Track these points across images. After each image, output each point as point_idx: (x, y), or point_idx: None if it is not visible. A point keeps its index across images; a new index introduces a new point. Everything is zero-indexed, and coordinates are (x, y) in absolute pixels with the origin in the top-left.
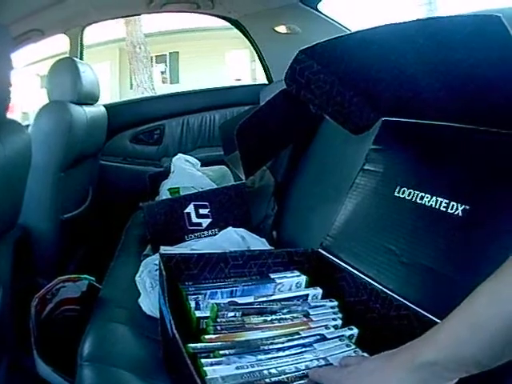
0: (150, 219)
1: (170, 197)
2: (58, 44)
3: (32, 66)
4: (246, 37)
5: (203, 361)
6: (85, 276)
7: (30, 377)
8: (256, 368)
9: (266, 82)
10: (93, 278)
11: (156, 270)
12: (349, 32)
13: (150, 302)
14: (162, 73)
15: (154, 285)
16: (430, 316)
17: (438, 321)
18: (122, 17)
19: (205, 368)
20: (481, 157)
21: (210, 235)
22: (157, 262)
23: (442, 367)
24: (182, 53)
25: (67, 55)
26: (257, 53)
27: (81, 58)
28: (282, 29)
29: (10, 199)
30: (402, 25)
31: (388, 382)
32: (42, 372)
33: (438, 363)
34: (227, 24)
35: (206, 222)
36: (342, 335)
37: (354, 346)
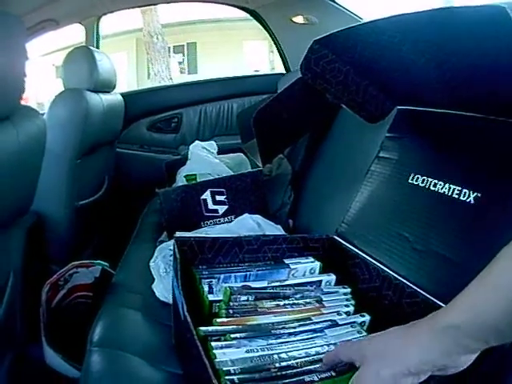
0: (166, 205)
1: (186, 183)
2: (74, 34)
3: (48, 56)
4: (264, 27)
5: (213, 344)
6: (98, 262)
7: (38, 366)
8: (266, 352)
9: (284, 72)
10: (106, 264)
11: (171, 256)
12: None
13: (163, 287)
14: (180, 63)
15: (168, 270)
16: (442, 304)
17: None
18: (138, 6)
19: (214, 351)
20: (493, 145)
21: (227, 222)
22: (171, 248)
23: (464, 333)
24: (200, 43)
25: (83, 45)
26: (274, 43)
27: (97, 48)
28: (299, 19)
29: (23, 185)
30: (413, 15)
31: (410, 348)
32: (50, 361)
33: (460, 327)
34: (245, 15)
35: (222, 209)
36: (354, 322)
37: (365, 333)
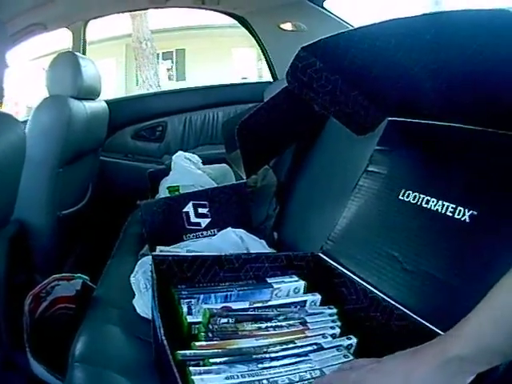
0: (147, 218)
1: (168, 195)
2: (65, 39)
3: (38, 60)
4: (252, 34)
5: (192, 369)
6: (79, 275)
7: (24, 374)
8: (247, 379)
9: (271, 80)
10: (87, 278)
11: (151, 271)
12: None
13: (143, 303)
14: (168, 70)
15: (148, 286)
16: (432, 327)
17: (440, 332)
18: (126, 11)
19: (193, 377)
20: (490, 160)
21: (209, 235)
22: None
23: (470, 361)
24: (189, 50)
25: (69, 50)
26: (262, 50)
27: (83, 53)
28: (287, 26)
29: (2, 195)
30: (407, 19)
31: (415, 379)
32: (35, 370)
33: (467, 357)
34: (234, 22)
35: (204, 222)
36: (340, 345)
37: (352, 357)
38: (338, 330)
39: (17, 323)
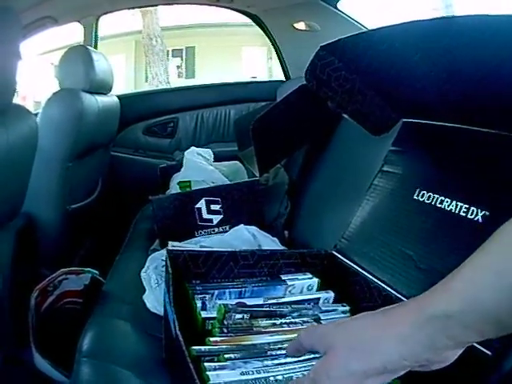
0: (158, 213)
1: (179, 191)
2: (73, 34)
3: (46, 55)
4: (265, 32)
5: (206, 365)
6: (88, 269)
7: (27, 369)
8: (262, 374)
9: (283, 79)
10: (96, 272)
11: (162, 267)
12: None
13: (154, 298)
14: (178, 67)
15: (159, 281)
16: None
17: None
18: (138, 7)
19: (208, 373)
20: (503, 161)
21: (221, 232)
22: (164, 258)
23: (458, 321)
24: (199, 48)
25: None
26: (275, 49)
27: (95, 48)
28: (301, 26)
29: (12, 187)
30: (426, 22)
31: (389, 341)
32: (39, 365)
33: (454, 315)
34: (245, 20)
35: (217, 219)
36: None
37: None
38: None
39: (22, 317)
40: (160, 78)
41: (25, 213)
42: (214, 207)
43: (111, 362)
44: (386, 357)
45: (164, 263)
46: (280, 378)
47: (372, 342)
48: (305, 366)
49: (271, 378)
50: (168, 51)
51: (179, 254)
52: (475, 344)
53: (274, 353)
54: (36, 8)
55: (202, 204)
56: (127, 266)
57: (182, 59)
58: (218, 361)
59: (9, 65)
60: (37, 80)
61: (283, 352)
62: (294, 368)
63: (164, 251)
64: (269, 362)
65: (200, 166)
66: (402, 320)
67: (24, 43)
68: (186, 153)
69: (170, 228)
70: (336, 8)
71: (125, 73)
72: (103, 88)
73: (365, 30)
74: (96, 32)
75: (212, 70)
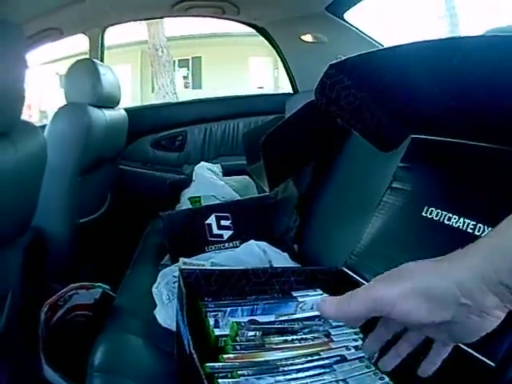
0: (169, 229)
1: (190, 206)
2: (78, 44)
3: (51, 64)
4: (272, 45)
5: (221, 381)
6: (99, 284)
7: (37, 382)
8: None
9: (291, 92)
10: (107, 287)
11: (174, 282)
12: (375, 43)
13: (166, 314)
14: (185, 77)
15: (171, 297)
16: None
17: (462, 346)
18: (144, 19)
19: None
20: (510, 178)
21: (231, 247)
22: (175, 274)
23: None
24: (205, 58)
25: (87, 56)
26: (282, 61)
27: (101, 60)
28: (308, 38)
29: (22, 203)
30: (434, 42)
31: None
32: (48, 377)
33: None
34: (251, 30)
35: (227, 234)
36: (363, 356)
37: (374, 368)
38: (360, 342)
39: (32, 331)
40: (167, 89)
41: (34, 227)
42: (224, 223)
43: (123, 376)
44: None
45: (175, 279)
46: None
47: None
48: (315, 381)
49: None
50: (174, 61)
51: (191, 272)
52: (478, 355)
53: (285, 368)
54: (41, 19)
55: (212, 220)
56: (138, 280)
57: (188, 69)
58: (232, 377)
59: (15, 81)
60: (42, 89)
61: (295, 367)
62: (306, 383)
63: (175, 267)
64: (281, 378)
65: (210, 182)
66: (466, 257)
67: (29, 53)
68: (196, 168)
69: (181, 243)
70: (343, 19)
71: (131, 83)
72: (111, 102)
73: (371, 41)
74: (102, 44)
75: (219, 80)
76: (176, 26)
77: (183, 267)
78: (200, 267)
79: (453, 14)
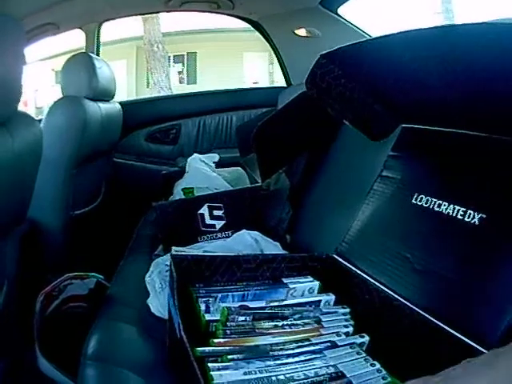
0: (162, 219)
1: (183, 197)
2: (74, 40)
3: (47, 60)
4: (266, 39)
5: (210, 365)
6: (93, 274)
7: (33, 372)
8: (264, 374)
9: (285, 85)
10: (101, 277)
11: (166, 271)
12: (368, 37)
13: (159, 302)
14: (180, 73)
15: (163, 286)
16: (442, 324)
17: (450, 329)
18: (140, 14)
19: (211, 372)
20: (500, 165)
21: (224, 237)
22: (167, 263)
23: None
24: (200, 53)
25: (83, 51)
26: (276, 55)
27: (97, 55)
28: (301, 32)
29: (18, 194)
30: (424, 31)
31: None
32: (43, 369)
33: None
34: (246, 26)
35: (219, 224)
36: (353, 343)
37: (364, 354)
38: (351, 329)
39: (27, 322)
40: (161, 84)
41: (29, 219)
42: (216, 213)
43: (116, 365)
44: None
45: (167, 268)
46: (282, 377)
47: None
48: (305, 366)
49: (273, 378)
50: (169, 57)
51: (183, 258)
52: (472, 343)
53: (276, 353)
54: (38, 14)
55: (204, 210)
56: (131, 270)
57: (183, 65)
58: (222, 361)
59: (13, 74)
60: (38, 86)
61: (285, 352)
62: (296, 368)
63: (167, 256)
64: (271, 362)
65: (203, 173)
66: None
67: (26, 49)
68: (189, 159)
69: (174, 233)
70: (337, 14)
71: (126, 78)
72: (106, 95)
73: (365, 35)
74: (98, 39)
75: (214, 76)
76: (171, 21)
77: (174, 253)
78: (192, 253)
79: (448, 9)
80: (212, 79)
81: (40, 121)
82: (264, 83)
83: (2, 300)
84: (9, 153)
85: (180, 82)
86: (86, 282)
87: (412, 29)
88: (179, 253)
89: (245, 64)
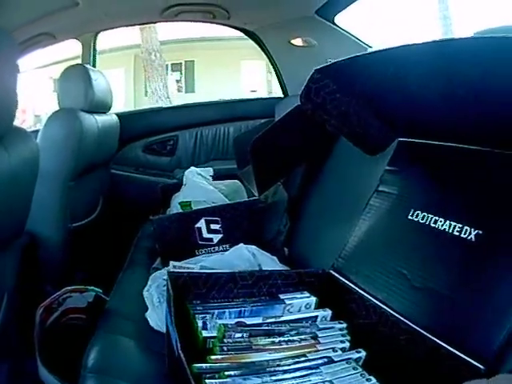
0: (159, 233)
1: (180, 210)
2: (72, 47)
3: (45, 68)
4: (262, 49)
5: (208, 381)
6: (92, 288)
7: (33, 382)
8: None
9: (282, 96)
10: (100, 290)
11: (164, 286)
12: (365, 46)
13: (157, 316)
14: (178, 81)
15: (161, 300)
16: (438, 341)
17: (446, 345)
18: (136, 24)
19: None
20: (496, 181)
21: (221, 251)
22: (165, 277)
23: None
24: (198, 62)
25: (81, 59)
26: (272, 65)
27: (93, 65)
28: (298, 41)
29: (16, 208)
30: (419, 46)
31: None
32: (44, 379)
33: None
34: (243, 34)
35: (217, 238)
36: (349, 358)
37: (360, 369)
38: (347, 344)
39: (27, 332)
40: (159, 93)
41: (28, 232)
42: (213, 227)
43: (115, 377)
44: None
45: (165, 282)
46: None
47: None
48: (302, 382)
49: None
50: (167, 65)
51: (180, 275)
52: (469, 359)
53: (272, 369)
54: (33, 24)
55: (201, 224)
56: (129, 283)
57: (181, 73)
58: (219, 377)
59: (8, 90)
60: (36, 93)
61: (281, 368)
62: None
63: (165, 270)
64: (268, 379)
65: (200, 187)
66: None
67: (22, 58)
68: (186, 172)
69: (171, 247)
70: (333, 23)
71: (124, 87)
72: (102, 107)
73: (362, 44)
74: (94, 49)
75: (212, 84)
76: (169, 30)
77: (172, 270)
78: (189, 270)
79: (446, 15)
80: (210, 88)
81: (37, 131)
82: (262, 91)
83: (3, 312)
84: (6, 168)
85: (178, 91)
86: (84, 295)
87: (407, 43)
88: (176, 269)
89: (243, 72)
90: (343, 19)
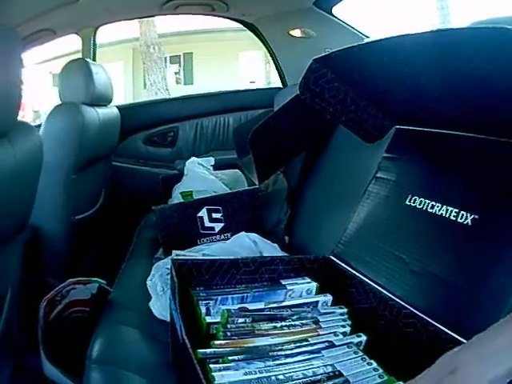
0: (162, 223)
1: (182, 200)
2: (70, 42)
3: (44, 63)
4: (261, 40)
5: (212, 366)
6: (95, 279)
7: (37, 377)
8: (264, 374)
9: (281, 86)
10: (103, 282)
11: (167, 274)
12: (363, 36)
13: (160, 305)
14: (176, 73)
15: (165, 289)
16: (438, 325)
17: (445, 329)
18: (135, 18)
19: (213, 373)
20: (492, 167)
21: (223, 239)
22: (168, 266)
23: None
24: (196, 54)
25: (80, 54)
26: (271, 56)
27: (93, 59)
28: (296, 33)
29: (20, 201)
30: (415, 36)
31: None
32: (48, 372)
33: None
34: (241, 26)
35: (218, 227)
36: (350, 342)
37: (361, 353)
38: (348, 329)
39: (30, 325)
40: (158, 85)
41: (31, 225)
42: (215, 215)
43: (120, 367)
44: None
45: (168, 271)
46: (281, 377)
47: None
48: (304, 366)
49: (273, 378)
50: (166, 58)
51: (183, 262)
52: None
53: (275, 354)
54: (34, 21)
55: (203, 213)
56: (133, 274)
57: (179, 65)
58: (223, 362)
59: (12, 84)
60: (35, 89)
61: (284, 353)
62: (295, 368)
63: (168, 259)
64: (270, 363)
65: (201, 176)
66: None
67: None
68: (187, 163)
69: (173, 237)
70: (331, 14)
71: (123, 80)
72: (103, 100)
73: (360, 34)
74: (94, 43)
75: (210, 76)
76: (167, 22)
77: (175, 258)
78: (191, 257)
79: (444, 6)
80: (209, 79)
81: (39, 126)
82: (261, 82)
83: (7, 306)
84: (11, 162)
85: (177, 83)
86: (88, 287)
87: (402, 34)
88: (179, 257)
89: (241, 63)
90: (341, 10)
